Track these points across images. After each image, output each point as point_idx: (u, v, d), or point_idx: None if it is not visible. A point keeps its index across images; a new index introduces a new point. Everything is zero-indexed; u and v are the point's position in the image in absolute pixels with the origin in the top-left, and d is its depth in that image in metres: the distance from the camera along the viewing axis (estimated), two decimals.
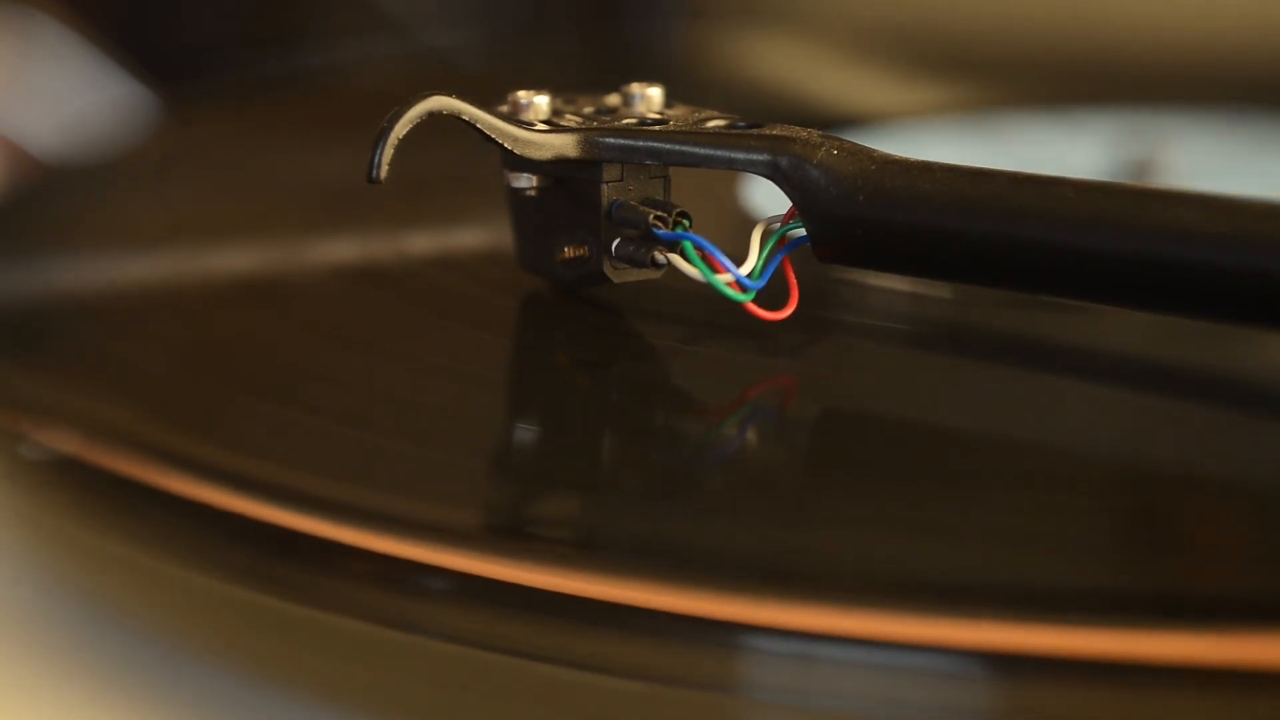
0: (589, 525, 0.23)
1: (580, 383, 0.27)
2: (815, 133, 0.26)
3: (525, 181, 0.27)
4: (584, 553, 0.23)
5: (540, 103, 0.27)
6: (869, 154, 0.25)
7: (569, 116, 0.27)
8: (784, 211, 0.26)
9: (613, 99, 0.28)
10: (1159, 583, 0.21)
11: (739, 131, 0.26)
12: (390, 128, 0.25)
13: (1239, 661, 0.20)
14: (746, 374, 0.27)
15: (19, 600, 0.28)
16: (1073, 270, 0.24)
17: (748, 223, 0.27)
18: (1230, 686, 0.20)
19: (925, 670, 0.20)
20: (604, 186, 0.26)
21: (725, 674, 0.21)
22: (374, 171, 0.25)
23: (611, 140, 0.26)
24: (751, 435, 0.25)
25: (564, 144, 0.26)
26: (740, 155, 0.26)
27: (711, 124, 0.26)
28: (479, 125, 0.26)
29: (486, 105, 0.26)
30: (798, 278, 0.26)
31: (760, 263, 0.26)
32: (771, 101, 0.45)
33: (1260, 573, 0.21)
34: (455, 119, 0.26)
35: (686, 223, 0.26)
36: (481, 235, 0.33)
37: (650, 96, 0.27)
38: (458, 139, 0.26)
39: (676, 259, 0.26)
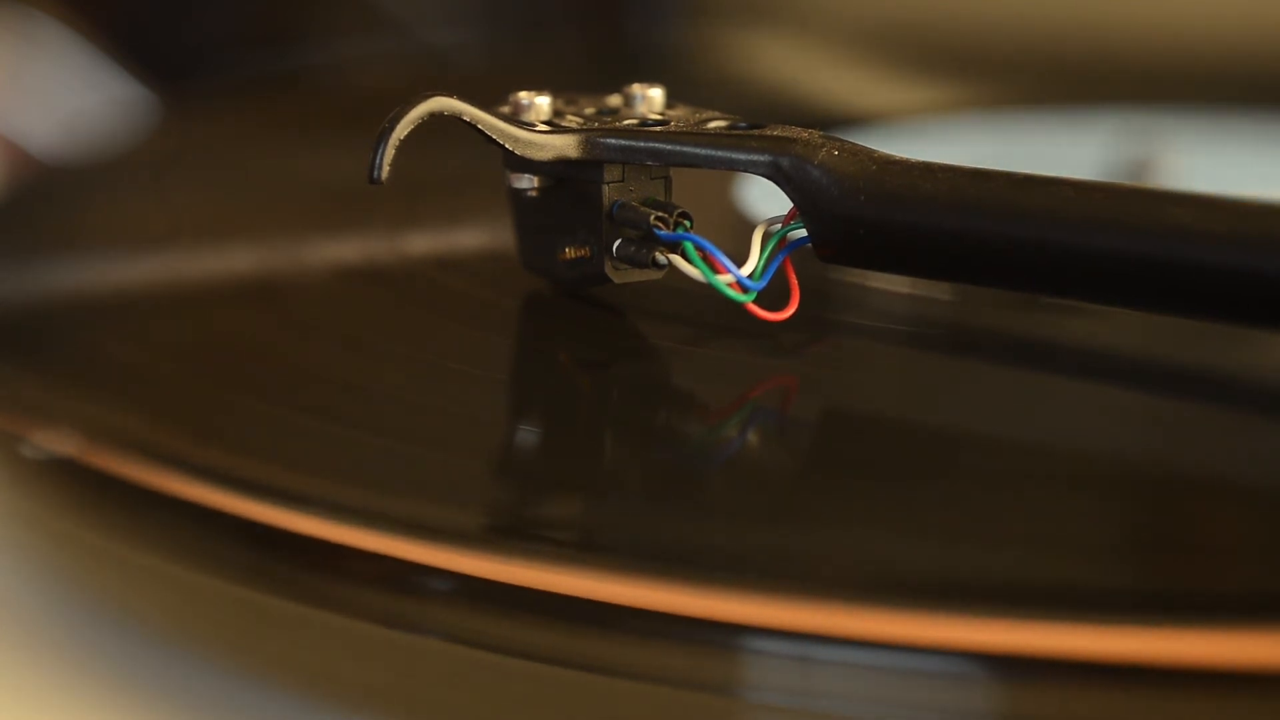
0: (590, 525, 0.23)
1: (581, 383, 0.28)
2: (816, 133, 0.26)
3: (526, 182, 0.27)
4: (584, 553, 0.23)
5: (541, 103, 0.27)
6: (870, 154, 0.25)
7: (570, 117, 0.27)
8: (785, 212, 0.26)
9: (614, 100, 0.28)
10: (1160, 583, 0.21)
11: (740, 132, 0.26)
12: (391, 129, 0.25)
13: (1240, 661, 0.20)
14: (747, 374, 0.27)
15: (19, 600, 0.28)
16: (1072, 270, 0.24)
17: (749, 223, 0.27)
18: (1231, 686, 0.20)
19: (925, 671, 0.20)
20: (605, 187, 0.26)
21: (725, 674, 0.21)
22: (375, 172, 0.25)
23: (613, 141, 0.26)
24: (752, 435, 0.25)
25: (565, 145, 0.26)
26: (741, 156, 0.26)
27: (713, 125, 0.26)
28: (480, 126, 0.26)
29: (487, 106, 0.26)
30: (799, 278, 0.26)
31: (761, 263, 0.26)
32: (772, 102, 0.45)
33: (1261, 573, 0.21)
34: (456, 120, 0.26)
35: (688, 223, 0.26)
36: (483, 235, 0.33)
37: (651, 97, 0.27)
38: (459, 140, 0.26)
39: (677, 259, 0.26)
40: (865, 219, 0.25)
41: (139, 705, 0.25)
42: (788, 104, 0.45)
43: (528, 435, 0.26)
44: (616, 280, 0.27)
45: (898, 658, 0.20)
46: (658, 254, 0.26)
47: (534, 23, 0.60)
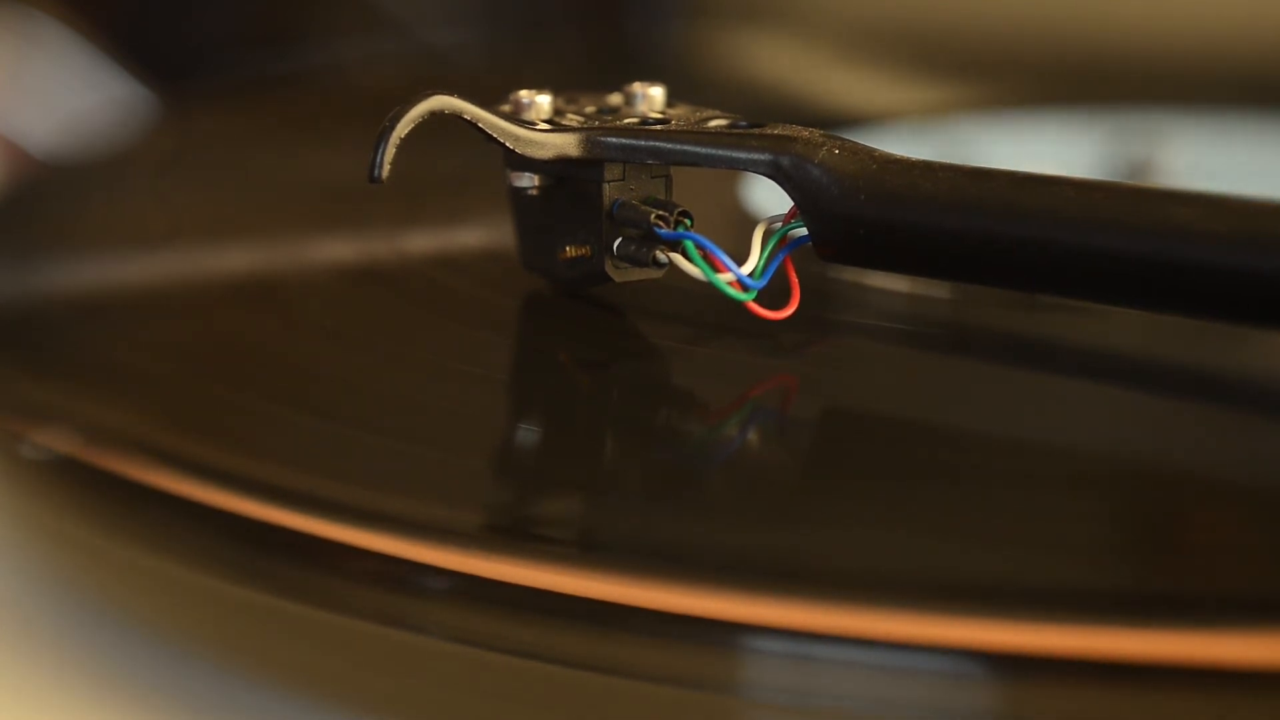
0: (590, 525, 0.23)
1: (581, 382, 0.27)
2: (817, 132, 0.26)
3: (527, 181, 0.27)
4: (584, 553, 0.23)
5: (542, 102, 0.27)
6: (870, 153, 0.25)
7: (571, 116, 0.27)
8: (785, 211, 0.26)
9: (614, 98, 0.28)
10: (1159, 583, 0.21)
11: (740, 131, 0.26)
12: (392, 127, 0.25)
13: (1239, 661, 0.20)
14: (747, 374, 0.27)
15: (19, 600, 0.28)
16: (1072, 270, 0.24)
17: (749, 222, 0.27)
18: (1230, 686, 0.20)
19: (926, 670, 0.20)
20: (606, 186, 0.26)
21: (725, 674, 0.21)
22: (375, 171, 0.25)
23: (613, 140, 0.26)
24: (752, 435, 0.25)
25: (566, 143, 0.26)
26: (742, 155, 0.26)
27: (713, 123, 0.26)
28: (481, 125, 0.26)
29: (488, 105, 0.26)
30: (799, 277, 0.26)
31: (762, 262, 0.26)
32: (772, 101, 0.45)
33: (1260, 573, 0.21)
34: (457, 118, 0.26)
35: (688, 222, 0.26)
36: (483, 235, 0.33)
37: (652, 96, 0.27)
38: (459, 139, 0.26)
39: (678, 258, 0.26)
40: (865, 218, 0.25)
41: (139, 705, 0.25)
42: (788, 104, 0.45)
43: (528, 435, 0.26)
44: (617, 279, 0.27)
45: (898, 657, 0.20)
46: (658, 253, 0.26)
47: (534, 23, 0.60)
